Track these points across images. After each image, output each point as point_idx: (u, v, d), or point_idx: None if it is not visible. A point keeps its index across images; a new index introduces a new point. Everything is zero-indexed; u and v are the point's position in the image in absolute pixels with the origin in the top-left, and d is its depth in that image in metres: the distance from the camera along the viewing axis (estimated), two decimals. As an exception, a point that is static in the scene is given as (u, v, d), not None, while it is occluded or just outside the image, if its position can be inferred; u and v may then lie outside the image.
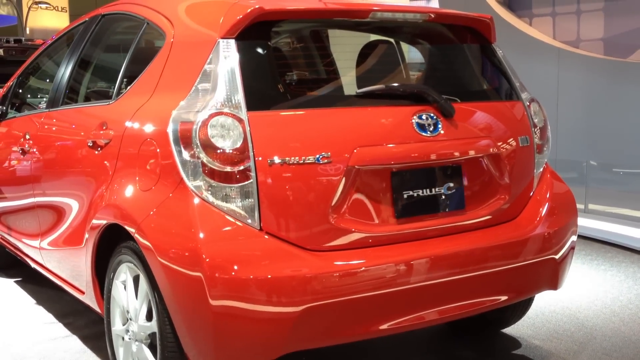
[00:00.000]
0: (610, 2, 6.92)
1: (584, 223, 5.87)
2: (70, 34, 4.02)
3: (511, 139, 2.88)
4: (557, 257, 2.87)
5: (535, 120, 3.02)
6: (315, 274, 2.32)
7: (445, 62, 3.21)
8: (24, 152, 3.89)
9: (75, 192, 3.21)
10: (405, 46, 3.44)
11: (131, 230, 2.55)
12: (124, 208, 2.66)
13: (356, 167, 2.46)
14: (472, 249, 2.64)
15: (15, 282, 4.65)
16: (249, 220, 2.34)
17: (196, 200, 2.35)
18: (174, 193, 2.41)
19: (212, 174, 2.34)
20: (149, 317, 2.58)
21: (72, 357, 3.33)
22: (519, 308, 3.31)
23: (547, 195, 2.97)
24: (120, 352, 2.80)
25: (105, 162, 2.91)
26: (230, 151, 2.33)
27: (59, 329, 3.71)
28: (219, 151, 2.33)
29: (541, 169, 3.03)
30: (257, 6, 2.49)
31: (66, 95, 3.68)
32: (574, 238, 2.98)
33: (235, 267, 2.26)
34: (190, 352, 2.39)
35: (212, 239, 2.30)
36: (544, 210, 2.90)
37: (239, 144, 2.34)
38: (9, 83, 4.56)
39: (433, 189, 2.66)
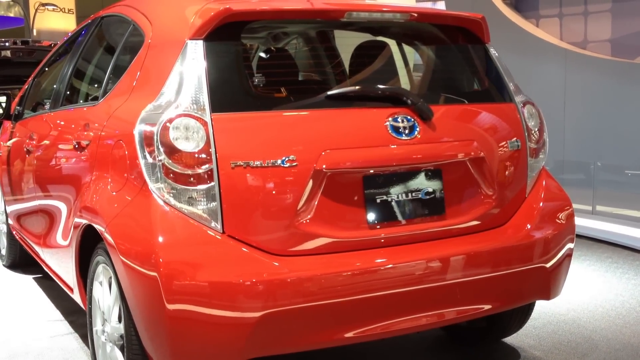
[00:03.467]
0: (617, 3, 6.89)
1: (592, 225, 5.86)
2: (75, 35, 4.06)
3: (499, 142, 2.76)
4: (547, 265, 2.74)
5: (530, 124, 2.89)
6: (275, 280, 2.26)
7: (433, 63, 3.14)
8: (28, 152, 4.00)
9: (64, 192, 3.25)
10: (395, 47, 3.31)
11: (101, 229, 2.56)
12: (95, 209, 2.67)
13: (324, 170, 2.39)
14: (449, 256, 2.53)
15: (34, 278, 4.70)
16: (212, 224, 2.29)
17: (158, 203, 2.31)
18: (138, 195, 2.39)
19: (173, 176, 2.30)
20: (120, 319, 2.56)
21: (65, 356, 3.33)
22: (518, 316, 3.19)
23: (541, 202, 2.84)
24: (99, 352, 2.79)
25: (86, 162, 2.94)
26: (192, 153, 2.29)
27: (61, 327, 3.72)
28: (180, 153, 2.29)
29: (535, 174, 2.90)
30: (226, 6, 2.44)
31: (65, 96, 3.76)
32: (569, 246, 2.86)
33: (193, 271, 2.22)
34: (151, 354, 2.36)
35: (170, 242, 2.26)
36: (535, 217, 2.78)
37: (201, 146, 2.29)
38: (26, 84, 4.64)
39: (409, 194, 2.56)
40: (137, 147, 2.37)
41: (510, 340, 3.41)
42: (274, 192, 2.34)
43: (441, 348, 3.44)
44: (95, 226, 2.63)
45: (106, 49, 3.64)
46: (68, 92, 3.76)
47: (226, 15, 2.44)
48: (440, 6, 8.96)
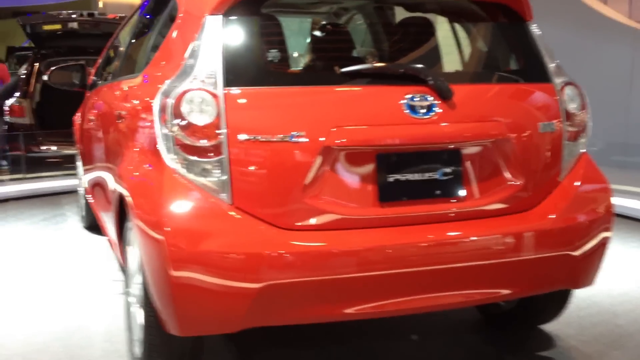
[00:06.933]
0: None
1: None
2: (139, 8, 4.22)
3: (530, 124, 2.67)
4: (575, 253, 2.63)
5: (570, 106, 2.77)
6: (277, 253, 2.29)
7: (469, 41, 3.07)
8: (90, 121, 4.28)
9: (110, 160, 3.42)
10: (446, 25, 3.26)
11: (126, 195, 2.68)
12: (124, 176, 2.80)
13: (334, 147, 2.40)
14: (461, 238, 2.49)
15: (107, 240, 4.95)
16: (221, 195, 2.35)
17: (170, 173, 2.38)
18: (156, 164, 2.48)
19: (185, 147, 2.36)
20: None
21: (117, 313, 3.34)
22: (554, 303, 3.10)
23: (575, 188, 2.73)
24: (130, 312, 2.91)
25: (123, 133, 3.08)
26: (203, 126, 2.34)
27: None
28: (192, 126, 2.34)
29: (573, 159, 2.79)
30: None
31: (121, 68, 3.96)
32: (604, 235, 2.73)
33: (198, 240, 2.28)
34: (161, 315, 2.45)
35: (178, 211, 2.32)
36: (566, 203, 2.68)
37: (212, 120, 2.34)
38: (101, 55, 4.87)
39: (424, 174, 2.53)
40: (155, 118, 2.45)
41: (549, 327, 3.32)
42: (282, 166, 2.36)
43: (473, 330, 3.42)
44: (123, 192, 2.75)
45: (153, 23, 3.76)
46: (124, 64, 3.95)
47: None
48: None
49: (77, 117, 5.31)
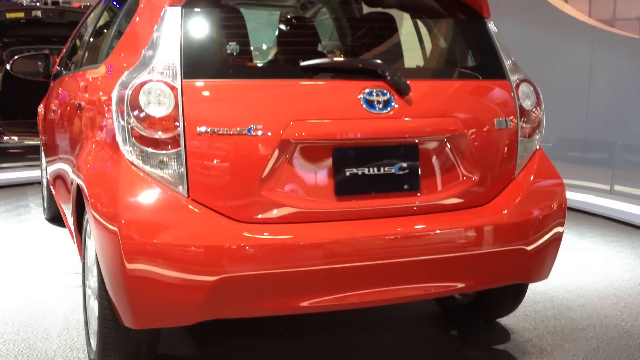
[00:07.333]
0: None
1: (609, 204, 5.89)
2: None
3: (485, 120, 2.70)
4: (528, 248, 2.67)
5: (525, 103, 2.81)
6: (232, 245, 2.29)
7: (427, 37, 3.10)
8: (52, 112, 4.25)
9: (69, 151, 3.41)
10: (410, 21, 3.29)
11: (82, 186, 2.67)
12: (81, 167, 2.78)
13: (292, 140, 2.41)
14: (415, 232, 2.51)
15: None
16: (178, 187, 2.35)
17: (127, 164, 2.38)
18: (113, 155, 2.48)
19: (142, 139, 2.35)
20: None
21: (72, 307, 3.42)
22: (509, 297, 3.15)
23: (529, 183, 2.77)
24: (87, 305, 2.91)
25: (82, 123, 3.07)
26: (161, 118, 2.34)
27: (75, 280, 3.78)
28: (149, 117, 2.35)
29: (528, 155, 2.84)
30: None
31: (84, 58, 3.94)
32: (558, 230, 2.78)
33: (153, 232, 2.27)
34: (117, 308, 2.45)
35: (133, 203, 2.32)
36: (519, 198, 2.71)
37: (169, 112, 2.34)
38: (66, 44, 4.81)
39: (381, 168, 2.55)
40: (113, 109, 2.44)
41: (506, 320, 3.40)
42: (239, 159, 2.37)
43: (432, 322, 3.47)
44: (80, 183, 2.74)
45: (117, 13, 3.73)
46: (86, 55, 3.93)
47: None
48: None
49: (41, 108, 5.27)
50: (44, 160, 5.25)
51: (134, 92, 2.36)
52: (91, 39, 4.00)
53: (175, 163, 2.35)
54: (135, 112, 2.35)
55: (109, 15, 3.85)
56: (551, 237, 2.76)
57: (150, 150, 2.35)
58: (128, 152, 2.38)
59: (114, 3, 3.78)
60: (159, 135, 2.34)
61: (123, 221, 2.28)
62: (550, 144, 5.74)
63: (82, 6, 8.70)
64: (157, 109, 2.35)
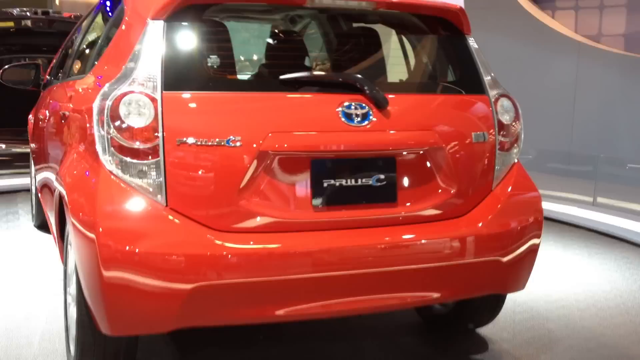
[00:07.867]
0: (633, -2, 6.90)
1: (592, 216, 5.94)
2: (93, 8, 4.22)
3: (463, 134, 2.74)
4: (504, 259, 2.71)
5: (503, 117, 2.85)
6: (209, 253, 2.33)
7: (408, 52, 3.15)
8: (40, 121, 4.30)
9: (54, 160, 3.45)
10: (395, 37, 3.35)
11: (63, 195, 2.71)
12: (63, 176, 2.82)
13: (270, 152, 2.44)
14: (392, 243, 2.54)
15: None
16: (156, 197, 2.38)
17: (106, 174, 2.40)
18: (93, 165, 2.51)
19: (122, 149, 2.39)
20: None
21: (60, 314, 3.45)
22: (487, 307, 3.18)
23: (506, 196, 2.81)
24: (68, 312, 2.93)
25: (66, 133, 3.11)
26: (140, 129, 2.37)
27: None
28: (129, 128, 2.37)
29: (505, 168, 2.87)
30: None
31: (72, 68, 3.98)
32: (534, 241, 2.82)
33: (130, 241, 2.30)
34: (93, 315, 2.47)
35: (111, 211, 2.35)
36: (496, 211, 2.75)
37: (149, 122, 2.37)
38: (57, 54, 4.84)
39: (359, 180, 2.58)
40: (94, 119, 2.47)
41: (485, 330, 3.43)
42: (218, 170, 2.41)
43: (411, 332, 3.49)
44: (62, 191, 2.77)
45: (104, 25, 3.78)
46: (74, 65, 3.98)
47: None
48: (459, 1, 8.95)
49: (31, 117, 5.31)
50: (33, 168, 5.28)
51: (114, 103, 2.40)
52: (79, 49, 4.05)
53: (154, 173, 2.38)
54: (117, 123, 2.39)
55: (97, 27, 3.90)
56: (527, 248, 2.80)
57: (129, 159, 2.38)
58: (107, 161, 2.41)
59: (104, 13, 3.82)
60: (138, 145, 2.37)
61: (101, 229, 2.31)
62: (530, 155, 5.79)
63: (72, 16, 8.72)
64: (137, 120, 2.38)
